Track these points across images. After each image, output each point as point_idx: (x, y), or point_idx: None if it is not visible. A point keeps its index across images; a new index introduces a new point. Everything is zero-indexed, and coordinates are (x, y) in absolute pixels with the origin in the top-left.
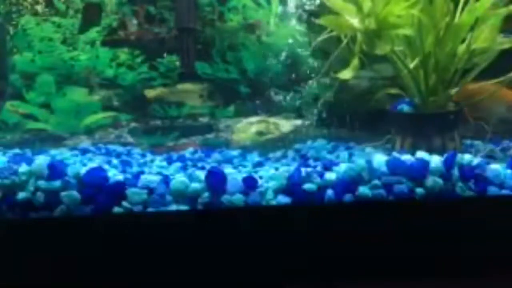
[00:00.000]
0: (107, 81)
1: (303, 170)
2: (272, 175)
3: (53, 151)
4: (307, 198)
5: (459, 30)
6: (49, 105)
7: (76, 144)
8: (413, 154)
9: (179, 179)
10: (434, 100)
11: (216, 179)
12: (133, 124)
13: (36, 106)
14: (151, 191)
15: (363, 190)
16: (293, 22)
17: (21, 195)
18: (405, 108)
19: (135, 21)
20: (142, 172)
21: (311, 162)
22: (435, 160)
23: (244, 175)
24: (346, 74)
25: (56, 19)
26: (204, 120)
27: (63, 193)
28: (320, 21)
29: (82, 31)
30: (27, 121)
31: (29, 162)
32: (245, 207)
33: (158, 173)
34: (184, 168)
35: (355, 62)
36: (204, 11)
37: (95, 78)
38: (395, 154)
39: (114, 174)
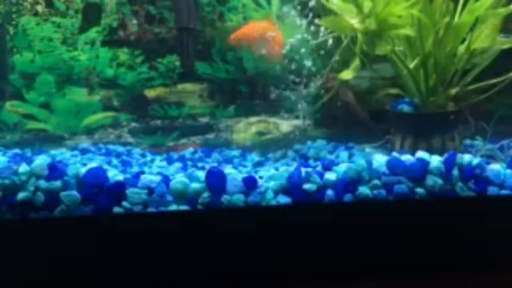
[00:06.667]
0: (107, 81)
1: (303, 170)
2: (272, 175)
3: (53, 151)
4: (307, 198)
5: (459, 30)
6: (49, 105)
7: (76, 144)
8: (413, 154)
9: (179, 179)
10: (434, 100)
11: (216, 179)
12: (133, 124)
13: (36, 106)
14: (151, 191)
15: (363, 190)
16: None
17: (21, 195)
18: (405, 108)
19: (135, 21)
20: (142, 172)
21: (310, 162)
22: (435, 160)
23: (244, 175)
24: (347, 75)
25: (56, 19)
26: (204, 120)
27: (63, 193)
28: (321, 22)
29: (82, 31)
30: (27, 121)
31: (29, 162)
32: (245, 207)
33: (158, 173)
34: (184, 168)
35: (356, 62)
36: (204, 11)
37: (95, 78)
38: (395, 154)
39: (114, 174)
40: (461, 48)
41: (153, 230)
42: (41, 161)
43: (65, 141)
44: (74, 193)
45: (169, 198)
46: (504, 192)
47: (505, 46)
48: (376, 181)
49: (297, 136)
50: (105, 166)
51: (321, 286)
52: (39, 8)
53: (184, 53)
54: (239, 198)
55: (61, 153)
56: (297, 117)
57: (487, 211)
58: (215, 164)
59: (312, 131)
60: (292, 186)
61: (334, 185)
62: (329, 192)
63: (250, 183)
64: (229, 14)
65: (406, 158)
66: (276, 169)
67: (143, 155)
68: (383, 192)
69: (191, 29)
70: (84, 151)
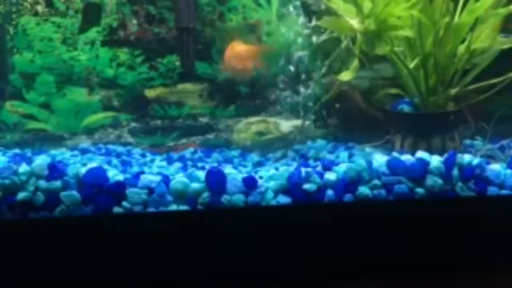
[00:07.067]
0: (107, 81)
1: (303, 170)
2: (272, 175)
3: (53, 151)
4: (307, 198)
5: (459, 30)
6: (49, 105)
7: (76, 144)
8: (413, 154)
9: (179, 179)
10: (434, 100)
11: (216, 179)
12: (133, 124)
13: (36, 106)
14: (151, 191)
15: (363, 190)
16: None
17: (21, 195)
18: (405, 108)
19: (135, 21)
20: (142, 172)
21: (311, 162)
22: (435, 160)
23: (244, 175)
24: (346, 76)
25: (56, 19)
26: (204, 120)
27: (63, 193)
28: (321, 22)
29: (82, 31)
30: (27, 121)
31: (29, 162)
32: (245, 207)
33: (158, 173)
34: (184, 168)
35: (356, 63)
36: (204, 11)
37: (95, 78)
38: (395, 154)
39: (114, 174)
40: (461, 48)
41: (153, 230)
42: (41, 161)
43: (65, 141)
44: (74, 193)
45: (169, 198)
46: (504, 192)
47: (505, 46)
48: (376, 181)
49: (297, 137)
50: (105, 166)
51: (321, 286)
52: (39, 8)
53: (184, 53)
54: (239, 198)
55: (61, 153)
56: (298, 117)
57: (487, 211)
58: (215, 164)
59: (316, 132)
60: (292, 186)
61: (334, 185)
62: (329, 192)
63: (250, 183)
64: (229, 14)
65: (406, 158)
66: (276, 169)
67: (143, 155)
68: (383, 192)
69: (191, 29)
70: (84, 151)
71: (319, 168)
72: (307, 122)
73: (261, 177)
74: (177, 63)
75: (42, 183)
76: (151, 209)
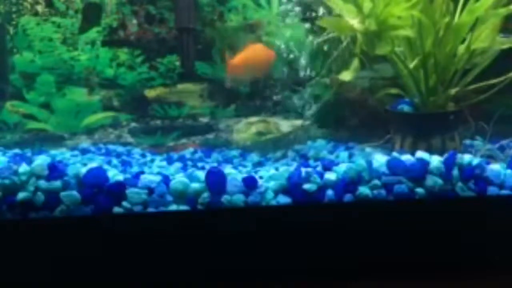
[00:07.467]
0: (107, 81)
1: (303, 170)
2: (272, 175)
3: (53, 151)
4: (307, 198)
5: (459, 30)
6: (49, 105)
7: (76, 144)
8: (413, 154)
9: (179, 179)
10: (434, 100)
11: (216, 179)
12: (133, 124)
13: (36, 106)
14: (151, 191)
15: (363, 190)
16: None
17: (21, 195)
18: (405, 108)
19: (135, 21)
20: (142, 172)
21: (311, 162)
22: (435, 160)
23: (244, 175)
24: (346, 76)
25: (56, 19)
26: (204, 120)
27: (63, 193)
28: (321, 22)
29: (82, 31)
30: (27, 121)
31: (29, 162)
32: (245, 207)
33: (158, 173)
34: (184, 168)
35: (356, 63)
36: (204, 11)
37: (95, 78)
38: (395, 154)
39: (114, 174)
40: (461, 48)
41: (153, 230)
42: (41, 161)
43: (65, 141)
44: (74, 193)
45: (169, 198)
46: (504, 192)
47: (505, 46)
48: (376, 181)
49: (297, 137)
50: (105, 166)
51: (321, 286)
52: (39, 8)
53: (184, 53)
54: (239, 198)
55: (61, 153)
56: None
57: (487, 211)
58: (215, 164)
59: (312, 131)
60: (292, 186)
61: (334, 185)
62: (329, 192)
63: (250, 183)
64: (229, 14)
65: (406, 158)
66: (276, 169)
67: (143, 155)
68: (383, 192)
69: (191, 29)
70: (84, 151)
71: (319, 168)
72: (307, 122)
73: (261, 177)
74: (177, 63)
75: (42, 183)
76: (151, 209)
